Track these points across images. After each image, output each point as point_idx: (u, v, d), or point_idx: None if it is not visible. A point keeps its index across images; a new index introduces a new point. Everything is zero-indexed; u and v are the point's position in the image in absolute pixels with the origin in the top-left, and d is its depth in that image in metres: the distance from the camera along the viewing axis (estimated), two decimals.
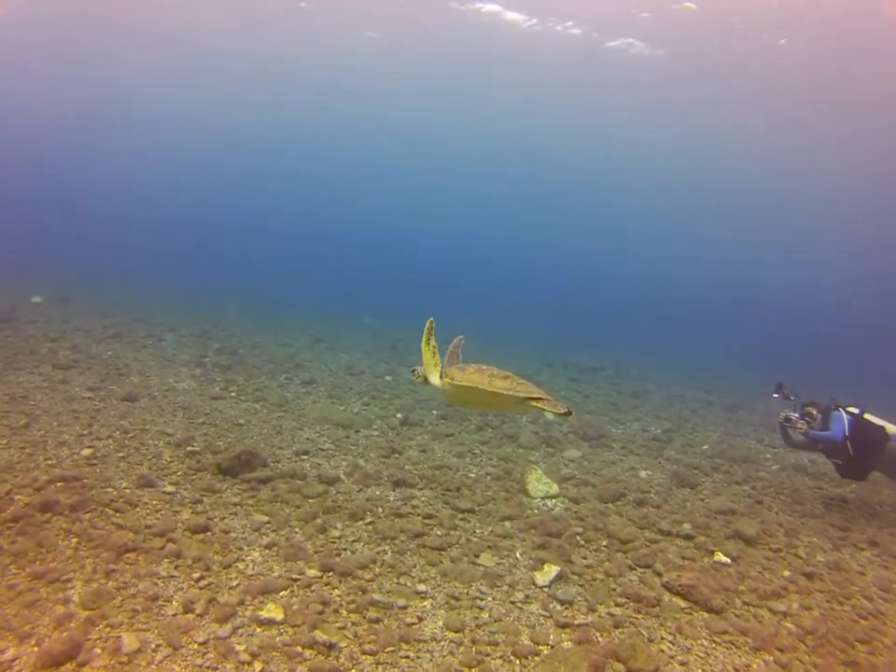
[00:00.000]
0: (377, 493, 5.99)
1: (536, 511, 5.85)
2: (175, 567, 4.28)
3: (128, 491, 5.30)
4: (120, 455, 6.04)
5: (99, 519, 4.75)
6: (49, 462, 5.59)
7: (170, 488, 5.49)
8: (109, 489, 5.27)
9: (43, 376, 8.03)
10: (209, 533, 4.81)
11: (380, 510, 5.58)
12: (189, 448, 6.43)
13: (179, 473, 5.84)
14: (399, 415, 8.68)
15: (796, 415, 6.31)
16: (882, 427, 6.08)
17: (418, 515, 5.55)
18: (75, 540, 4.40)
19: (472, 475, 6.71)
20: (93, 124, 39.62)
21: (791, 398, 6.55)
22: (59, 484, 5.16)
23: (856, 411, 6.23)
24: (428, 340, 4.10)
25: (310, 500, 5.61)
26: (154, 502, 5.18)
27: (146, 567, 4.22)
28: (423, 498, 5.97)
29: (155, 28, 22.99)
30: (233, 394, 8.69)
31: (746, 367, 18.86)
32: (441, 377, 4.04)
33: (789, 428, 6.47)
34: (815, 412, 6.34)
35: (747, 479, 7.58)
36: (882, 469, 6.31)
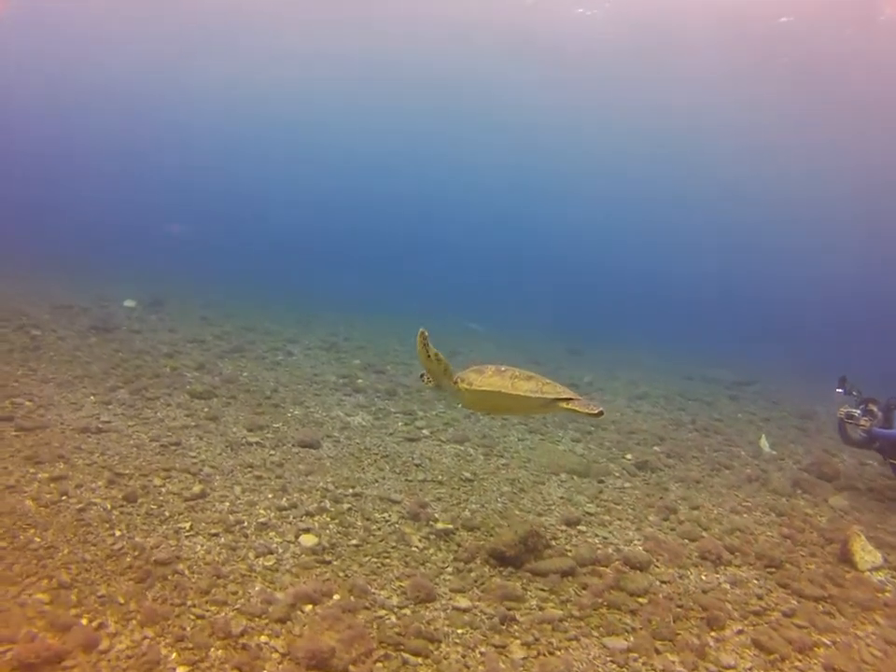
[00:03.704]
0: (703, 578, 4.54)
1: (888, 595, 4.59)
2: None
3: (407, 612, 3.55)
4: (353, 542, 4.27)
5: None
6: (266, 564, 3.84)
7: (461, 601, 3.74)
8: (381, 611, 3.51)
9: (184, 409, 6.39)
10: None
11: (729, 606, 4.11)
12: (436, 525, 4.69)
13: (449, 570, 4.11)
14: (628, 457, 7.25)
15: (859, 411, 6.36)
16: None
17: (777, 611, 4.14)
18: None
19: (774, 539, 5.37)
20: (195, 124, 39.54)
21: (854, 393, 6.55)
22: (312, 609, 3.37)
23: None
24: (427, 350, 3.76)
25: (640, 600, 4.09)
26: (458, 630, 3.45)
27: None
28: (755, 582, 4.54)
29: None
30: (425, 432, 6.89)
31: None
32: (455, 382, 3.77)
33: (850, 425, 6.51)
34: (876, 409, 6.34)
35: None
36: None
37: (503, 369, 3.77)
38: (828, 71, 18.68)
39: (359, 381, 8.66)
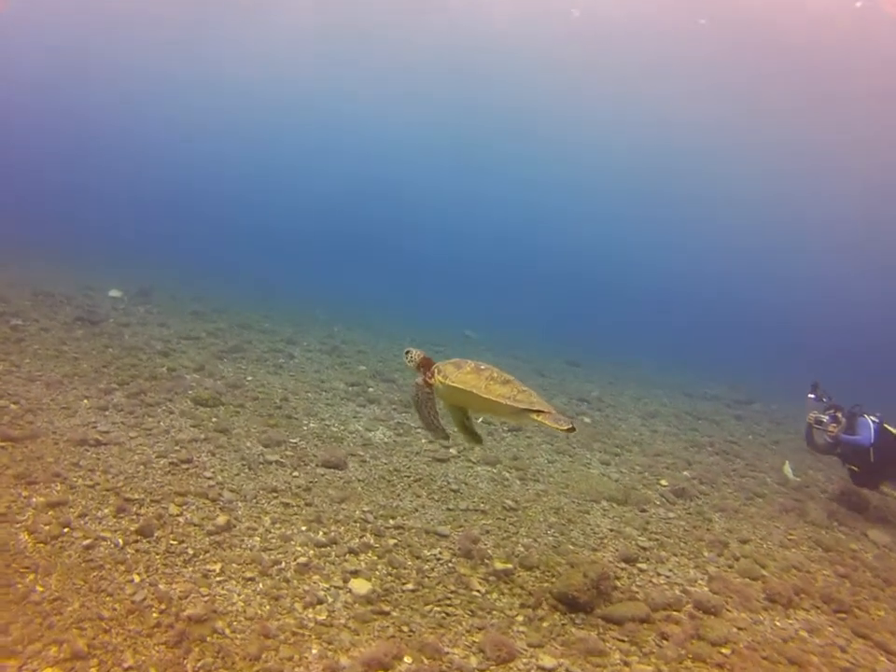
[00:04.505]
0: (777, 624, 4.17)
1: None
2: None
3: None
4: (408, 586, 3.72)
5: None
6: (319, 617, 3.26)
7: (545, 660, 3.25)
8: None
9: (189, 418, 5.68)
10: None
11: (816, 660, 3.70)
12: (493, 564, 4.18)
13: (520, 619, 3.61)
14: (663, 483, 6.85)
15: (827, 417, 6.62)
16: None
17: (868, 669, 3.76)
18: None
19: (831, 578, 5.04)
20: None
21: (825, 399, 6.81)
22: None
23: (876, 419, 6.50)
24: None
25: (723, 651, 3.68)
26: None
27: None
28: (830, 630, 4.19)
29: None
30: (453, 451, 6.36)
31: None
32: (433, 373, 3.77)
33: (817, 430, 6.79)
34: (840, 415, 6.63)
35: None
36: (893, 478, 6.57)
37: (483, 367, 3.62)
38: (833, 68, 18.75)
39: (370, 390, 8.01)
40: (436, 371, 3.74)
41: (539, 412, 3.39)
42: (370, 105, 32.39)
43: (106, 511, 3.79)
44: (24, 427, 4.69)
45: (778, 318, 34.91)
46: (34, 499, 3.75)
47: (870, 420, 6.53)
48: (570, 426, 3.31)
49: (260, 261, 23.33)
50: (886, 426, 6.52)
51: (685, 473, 7.34)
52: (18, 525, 3.44)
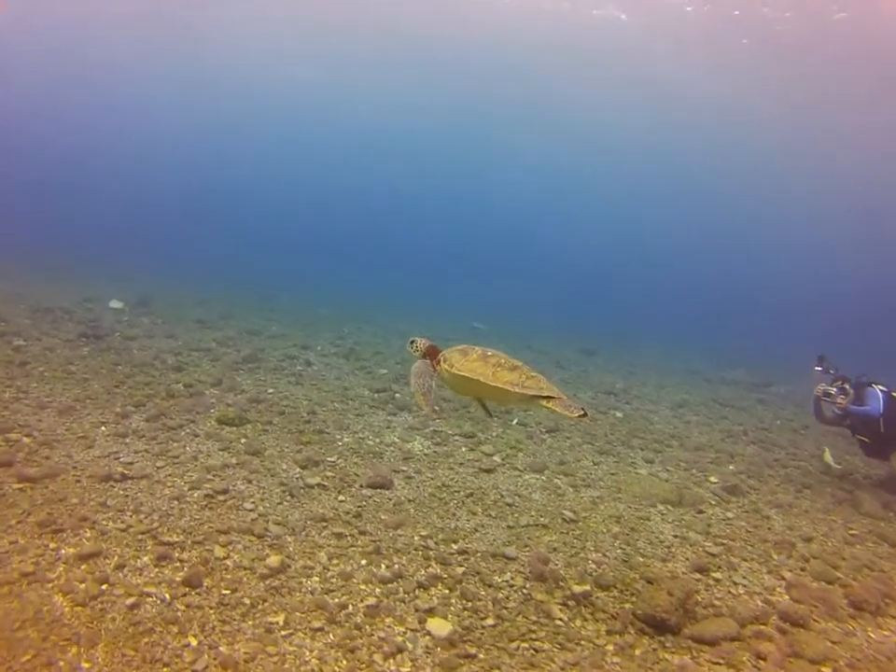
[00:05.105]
0: (872, 636, 3.83)
1: None
2: None
3: None
4: (488, 621, 3.41)
5: None
6: (402, 668, 2.99)
7: None
8: None
9: (216, 440, 5.26)
10: None
11: None
12: (569, 588, 3.82)
13: (610, 649, 3.29)
14: (713, 479, 6.55)
15: (835, 389, 6.52)
16: None
17: None
18: None
19: None
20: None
21: (831, 371, 6.73)
22: None
23: (884, 388, 6.42)
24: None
25: (823, 670, 3.36)
26: None
27: None
28: None
29: None
30: (496, 458, 5.96)
31: None
32: (438, 361, 3.62)
33: (825, 402, 6.68)
34: (848, 387, 6.54)
35: None
36: None
37: (489, 353, 3.50)
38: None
39: (398, 395, 7.57)
40: (442, 359, 3.60)
41: (548, 398, 3.28)
42: (369, 99, 31.64)
43: (146, 559, 3.37)
44: (41, 463, 4.25)
45: (778, 294, 34.70)
46: (63, 551, 3.32)
47: (878, 390, 6.44)
48: (582, 412, 3.20)
49: (259, 261, 22.75)
50: (895, 395, 6.42)
51: (731, 468, 7.05)
52: (50, 586, 3.02)
